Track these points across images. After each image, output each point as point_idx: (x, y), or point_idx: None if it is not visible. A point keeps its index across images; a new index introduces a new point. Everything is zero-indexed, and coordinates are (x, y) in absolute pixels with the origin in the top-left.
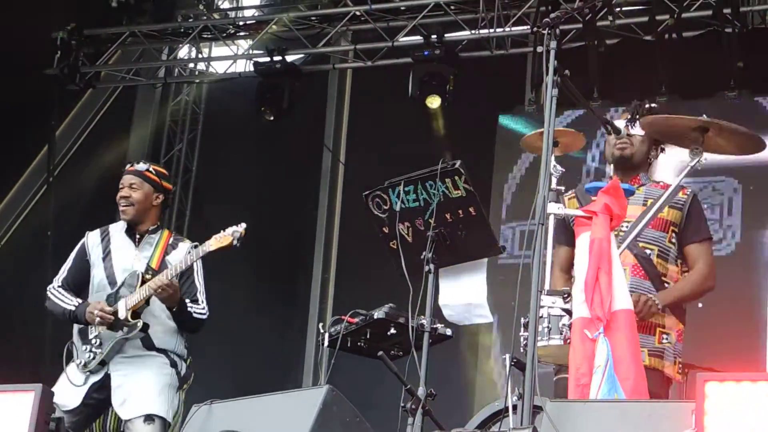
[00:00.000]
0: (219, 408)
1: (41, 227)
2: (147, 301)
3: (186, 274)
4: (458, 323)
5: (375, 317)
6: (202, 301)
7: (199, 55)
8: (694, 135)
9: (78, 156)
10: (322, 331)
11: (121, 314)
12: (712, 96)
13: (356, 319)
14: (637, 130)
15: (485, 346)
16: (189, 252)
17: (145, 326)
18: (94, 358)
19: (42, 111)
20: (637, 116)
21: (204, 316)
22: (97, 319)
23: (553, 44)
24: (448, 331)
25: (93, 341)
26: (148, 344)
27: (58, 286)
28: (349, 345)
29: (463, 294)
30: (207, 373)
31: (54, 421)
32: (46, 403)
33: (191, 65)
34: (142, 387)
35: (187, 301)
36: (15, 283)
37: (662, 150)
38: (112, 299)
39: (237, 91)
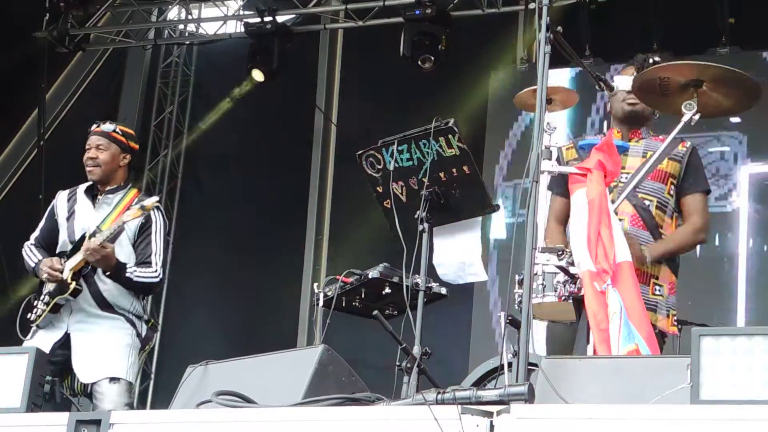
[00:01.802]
0: (214, 368)
1: (32, 191)
2: (88, 263)
3: (144, 233)
4: (452, 282)
5: (369, 277)
6: (155, 264)
7: (189, 17)
8: (685, 95)
9: (68, 119)
10: (316, 291)
11: (65, 275)
12: (703, 52)
13: (351, 279)
14: None
15: (481, 304)
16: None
17: (75, 291)
18: (41, 313)
19: (32, 74)
20: (613, 83)
21: (154, 280)
22: (45, 275)
23: (545, 1)
24: (443, 290)
25: (43, 297)
26: (102, 303)
27: (31, 244)
28: (343, 305)
29: (457, 252)
30: (202, 334)
31: (48, 383)
32: (40, 366)
33: (181, 27)
34: (101, 349)
35: (130, 265)
36: (6, 247)
37: None
38: (65, 259)
39: (227, 53)
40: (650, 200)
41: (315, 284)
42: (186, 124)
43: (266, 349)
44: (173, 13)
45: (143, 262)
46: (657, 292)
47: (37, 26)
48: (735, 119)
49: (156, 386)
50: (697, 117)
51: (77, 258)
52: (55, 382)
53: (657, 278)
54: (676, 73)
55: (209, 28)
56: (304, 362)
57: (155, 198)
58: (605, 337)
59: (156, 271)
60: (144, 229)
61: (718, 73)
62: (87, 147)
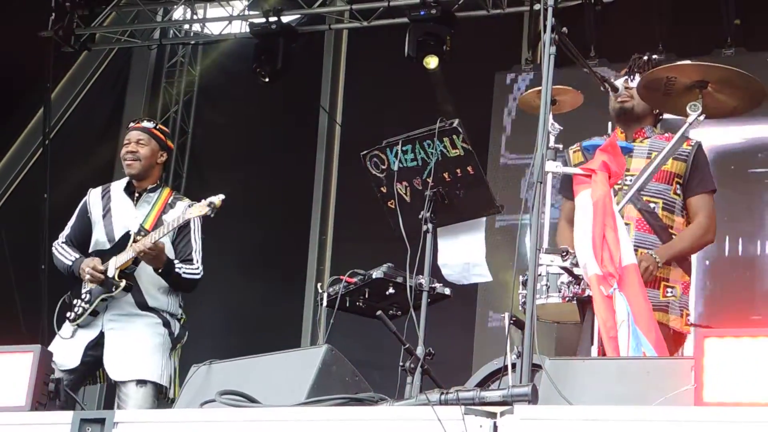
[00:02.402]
0: (218, 368)
1: (37, 190)
2: (135, 262)
3: (183, 232)
4: (457, 282)
5: (373, 277)
6: (197, 261)
7: (194, 16)
8: (690, 96)
9: (73, 118)
10: (320, 291)
11: (110, 273)
12: (708, 53)
13: (354, 279)
14: (636, 83)
15: (485, 305)
16: (174, 219)
17: (128, 287)
18: (82, 313)
19: (37, 73)
20: (636, 69)
21: (197, 276)
22: (87, 276)
23: (551, 1)
24: (447, 291)
25: (84, 296)
26: (141, 303)
27: (62, 242)
28: (347, 305)
29: (461, 253)
30: (206, 334)
31: (53, 382)
32: (45, 364)
33: (186, 26)
34: (133, 348)
35: (177, 261)
36: (12, 246)
37: None
38: (106, 258)
39: (232, 53)
40: (655, 202)
41: (319, 284)
42: (191, 123)
43: (270, 349)
44: (178, 13)
45: (185, 259)
46: (669, 294)
47: (42, 26)
48: None
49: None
50: (702, 118)
51: (124, 257)
52: (60, 380)
53: (668, 280)
54: (683, 74)
55: (214, 28)
56: (307, 362)
57: (222, 196)
58: (615, 346)
59: (198, 268)
60: (183, 227)
61: (725, 74)
62: (126, 142)
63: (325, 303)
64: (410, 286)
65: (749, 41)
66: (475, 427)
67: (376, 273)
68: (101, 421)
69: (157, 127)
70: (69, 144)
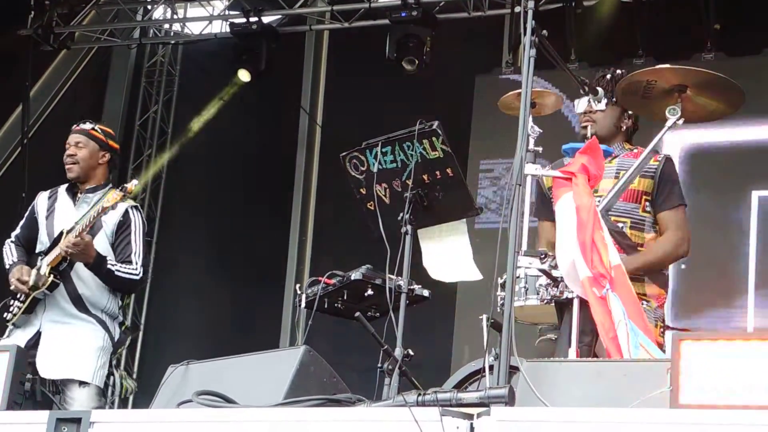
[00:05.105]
0: (195, 368)
1: (15, 189)
2: (65, 259)
3: (123, 233)
4: (445, 280)
5: (352, 278)
6: (136, 262)
7: (174, 16)
8: (669, 100)
9: (52, 117)
10: (299, 292)
11: (42, 270)
12: (688, 58)
13: (333, 281)
14: (599, 105)
15: (463, 307)
16: (94, 210)
17: (53, 285)
18: (15, 314)
19: (16, 72)
20: (598, 88)
21: (134, 277)
22: (12, 286)
23: (531, 4)
24: (426, 292)
25: (19, 296)
26: (78, 303)
27: (11, 241)
28: (326, 306)
29: (447, 256)
30: (184, 334)
31: (29, 381)
32: (20, 364)
33: (166, 26)
34: (70, 348)
35: (110, 259)
36: None
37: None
38: (43, 257)
39: (213, 53)
40: (623, 222)
41: (297, 285)
42: (170, 123)
43: (248, 350)
44: (158, 12)
45: (123, 261)
46: (644, 305)
47: (21, 23)
48: None
49: (138, 386)
50: (681, 122)
51: (54, 253)
52: (35, 380)
53: (645, 295)
54: (662, 77)
55: (194, 28)
56: (285, 363)
57: (135, 181)
58: (616, 346)
59: (136, 269)
60: (123, 228)
61: (704, 78)
62: (66, 145)
63: (303, 304)
64: (389, 288)
65: (729, 45)
66: (452, 429)
67: (355, 274)
68: (77, 421)
69: (97, 128)
70: (47, 143)
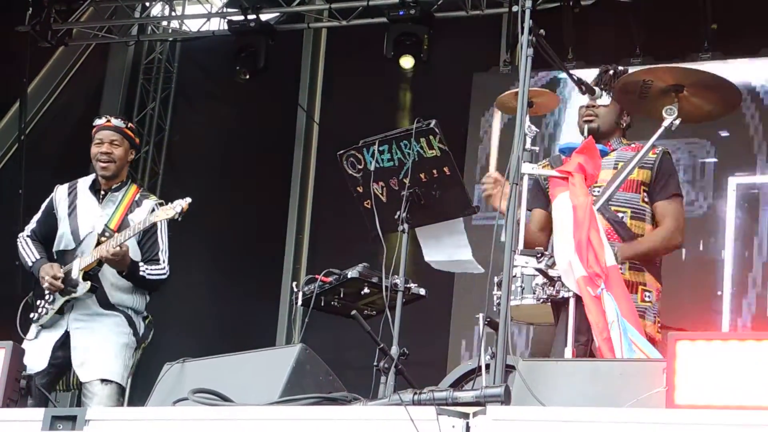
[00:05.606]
0: (192, 366)
1: (13, 185)
2: (99, 263)
3: (149, 232)
4: (450, 270)
5: (349, 276)
6: (163, 261)
7: (173, 13)
8: (666, 100)
9: (50, 114)
10: (295, 290)
11: (74, 274)
12: (685, 58)
13: (330, 279)
14: (603, 100)
15: (460, 306)
16: (139, 221)
17: (93, 288)
18: (46, 313)
19: (13, 68)
20: (602, 84)
21: (162, 276)
22: (46, 284)
23: (529, 3)
24: (422, 291)
25: (48, 297)
26: (104, 302)
27: (27, 236)
28: (322, 304)
29: (448, 254)
30: (180, 332)
31: (25, 378)
32: (17, 361)
33: (164, 23)
34: (99, 348)
35: (142, 264)
36: None
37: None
38: (70, 257)
39: (211, 50)
40: (624, 212)
41: (294, 283)
42: (168, 120)
43: (245, 348)
44: (157, 9)
45: (151, 259)
46: (647, 299)
47: (19, 20)
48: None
49: (134, 383)
50: (677, 122)
51: (88, 259)
52: (31, 377)
53: (645, 285)
54: (659, 77)
55: (193, 25)
56: (281, 361)
57: (189, 199)
58: (610, 347)
59: (164, 268)
60: (149, 227)
61: (700, 78)
62: (98, 141)
63: (300, 302)
64: (386, 286)
65: (726, 46)
66: (447, 428)
67: (352, 273)
68: (73, 418)
69: (129, 125)
70: (45, 140)
